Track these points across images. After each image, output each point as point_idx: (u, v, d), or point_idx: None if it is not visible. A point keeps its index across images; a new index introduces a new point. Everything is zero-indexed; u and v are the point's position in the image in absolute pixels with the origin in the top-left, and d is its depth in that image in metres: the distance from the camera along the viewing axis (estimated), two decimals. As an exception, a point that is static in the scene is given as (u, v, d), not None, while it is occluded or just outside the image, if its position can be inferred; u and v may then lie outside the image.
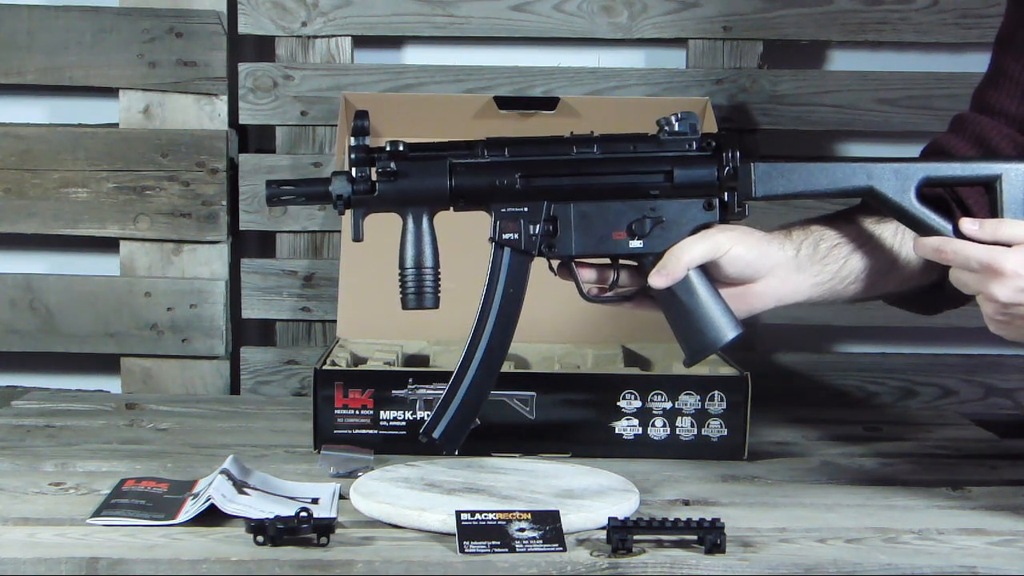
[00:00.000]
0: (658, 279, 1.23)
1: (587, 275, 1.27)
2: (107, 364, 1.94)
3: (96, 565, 1.14)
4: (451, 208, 1.26)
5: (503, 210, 1.25)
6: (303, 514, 1.18)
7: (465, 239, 1.78)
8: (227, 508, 1.25)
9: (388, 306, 1.77)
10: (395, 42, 1.95)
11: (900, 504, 1.36)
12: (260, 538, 1.17)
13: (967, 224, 1.21)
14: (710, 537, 1.17)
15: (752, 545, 1.20)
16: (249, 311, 1.93)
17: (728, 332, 1.24)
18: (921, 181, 1.25)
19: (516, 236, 1.25)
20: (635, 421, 1.52)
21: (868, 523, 1.28)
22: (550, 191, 1.25)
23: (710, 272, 1.25)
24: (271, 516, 1.18)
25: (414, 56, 1.95)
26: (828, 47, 1.94)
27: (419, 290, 1.24)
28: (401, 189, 1.24)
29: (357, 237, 1.25)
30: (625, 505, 1.28)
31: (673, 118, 1.25)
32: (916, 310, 1.41)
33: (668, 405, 1.52)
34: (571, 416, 1.52)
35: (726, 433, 1.52)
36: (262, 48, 1.94)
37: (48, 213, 1.90)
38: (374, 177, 1.24)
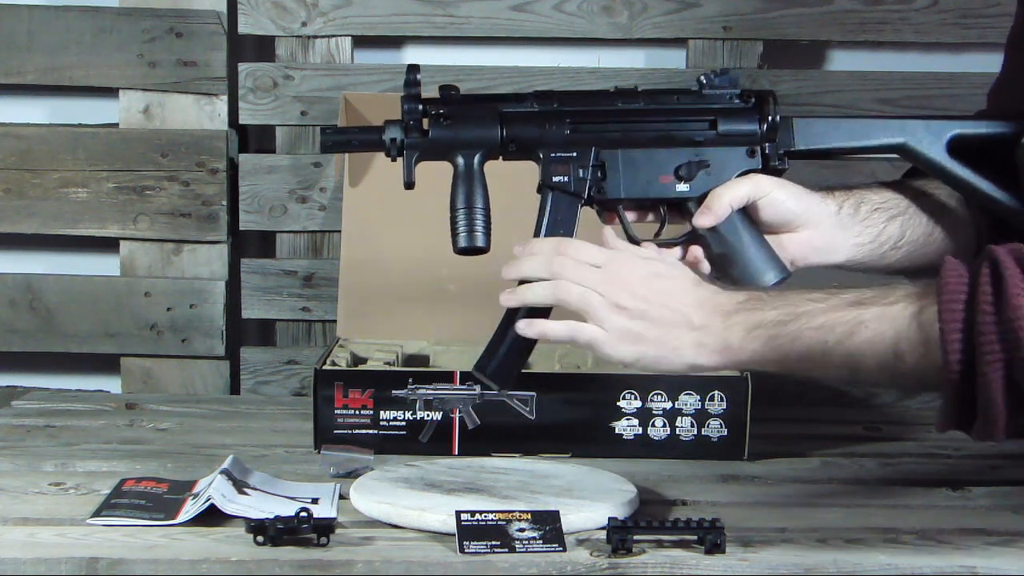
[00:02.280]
0: (703, 219, 1.25)
1: (632, 220, 1.29)
2: (107, 364, 1.94)
3: (96, 565, 1.14)
4: (500, 157, 1.27)
5: (552, 155, 1.26)
6: (303, 514, 1.18)
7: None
8: (227, 508, 1.25)
9: (388, 306, 1.79)
10: (395, 42, 1.95)
11: (900, 504, 1.36)
12: (260, 538, 1.17)
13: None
14: (710, 537, 1.17)
15: (752, 545, 1.20)
16: (249, 311, 1.93)
17: (775, 272, 1.25)
18: (951, 137, 1.28)
19: (566, 179, 1.26)
20: (635, 421, 1.52)
21: (868, 523, 1.28)
22: (598, 139, 1.27)
23: (751, 218, 1.26)
24: (271, 516, 1.18)
25: (414, 56, 1.95)
26: (828, 47, 1.94)
27: (470, 229, 1.23)
28: (453, 134, 1.25)
29: (410, 181, 1.25)
30: (625, 505, 1.28)
31: (712, 74, 1.29)
32: None
33: (668, 405, 1.52)
34: (571, 416, 1.52)
35: (726, 433, 1.52)
36: (262, 48, 1.94)
37: (48, 213, 1.90)
38: (425, 126, 1.25)
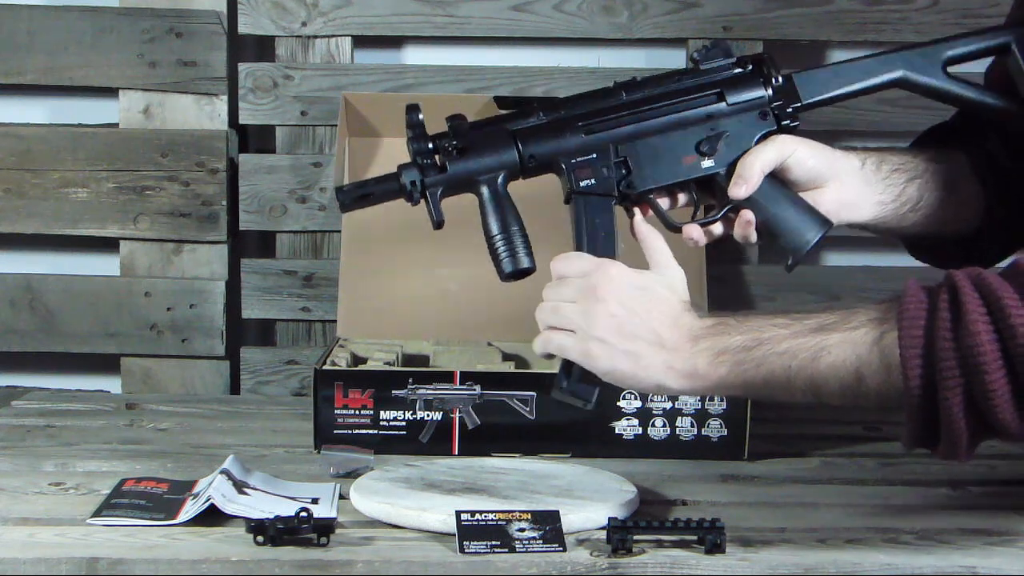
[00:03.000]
0: (738, 189, 1.25)
1: (667, 207, 1.29)
2: (107, 364, 1.94)
3: (96, 565, 1.14)
4: (522, 175, 1.26)
5: (573, 161, 1.26)
6: (303, 514, 1.18)
7: (466, 241, 1.79)
8: (227, 508, 1.25)
9: (388, 306, 1.79)
10: (395, 42, 1.95)
11: (900, 504, 1.36)
12: (260, 538, 1.17)
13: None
14: (710, 537, 1.17)
15: (752, 545, 1.20)
16: (249, 311, 1.93)
17: (818, 227, 1.26)
18: (945, 59, 1.30)
19: (593, 181, 1.26)
20: (635, 421, 1.52)
21: (868, 523, 1.28)
22: (614, 135, 1.27)
23: (781, 180, 1.27)
24: (271, 516, 1.18)
25: (414, 56, 1.95)
26: (828, 47, 1.94)
27: (512, 252, 1.23)
28: (472, 164, 1.24)
29: (439, 220, 1.24)
30: (625, 505, 1.28)
31: (704, 49, 1.30)
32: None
33: (668, 405, 1.52)
34: (571, 416, 1.52)
35: (726, 433, 1.52)
36: (262, 48, 1.94)
37: (48, 213, 1.90)
38: (438, 161, 1.24)
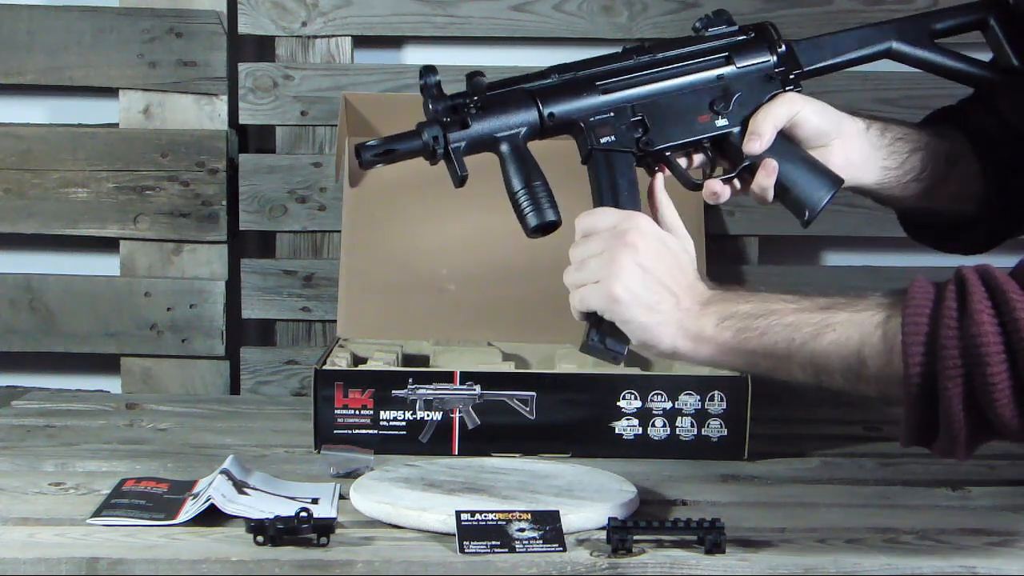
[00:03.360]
0: (752, 144, 1.27)
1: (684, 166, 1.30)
2: (107, 364, 1.94)
3: (96, 565, 1.14)
4: (540, 135, 1.26)
5: (592, 119, 1.27)
6: (303, 514, 1.18)
7: (465, 242, 1.79)
8: (227, 508, 1.25)
9: (388, 306, 1.79)
10: (395, 42, 1.95)
11: (900, 504, 1.36)
12: (260, 538, 1.17)
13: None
14: (710, 537, 1.17)
15: (752, 545, 1.20)
16: (249, 311, 1.93)
17: (832, 183, 1.27)
18: (931, 31, 1.35)
19: (612, 138, 1.27)
20: (635, 421, 1.52)
21: (868, 523, 1.28)
22: (631, 95, 1.28)
23: (790, 137, 1.29)
24: (271, 516, 1.18)
25: (414, 56, 1.95)
26: (828, 47, 1.94)
27: (536, 206, 1.22)
28: (494, 121, 1.24)
29: (463, 174, 1.22)
30: (625, 505, 1.28)
31: (705, 18, 1.34)
32: (961, 250, 1.44)
33: (668, 405, 1.52)
34: (571, 416, 1.52)
35: (726, 433, 1.52)
36: (262, 48, 1.94)
37: (48, 213, 1.90)
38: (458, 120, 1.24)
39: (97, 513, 1.26)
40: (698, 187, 1.28)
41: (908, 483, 1.44)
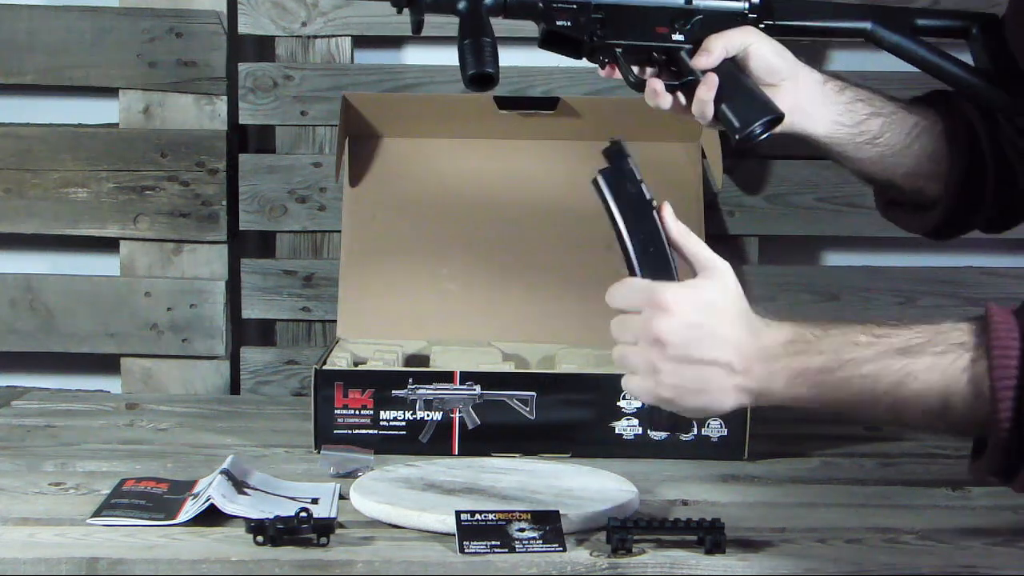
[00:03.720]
0: (701, 59, 1.29)
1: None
2: (107, 364, 1.94)
3: (96, 565, 1.14)
4: (503, 13, 1.29)
5: (555, 5, 1.30)
6: (303, 514, 1.18)
7: (465, 242, 1.79)
8: (227, 508, 1.25)
9: (388, 306, 1.79)
10: (395, 42, 1.95)
11: (900, 504, 1.36)
12: (260, 538, 1.17)
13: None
14: (710, 537, 1.17)
15: (752, 545, 1.20)
16: (249, 311, 1.93)
17: (770, 112, 1.28)
18: (914, 24, 1.36)
19: (569, 23, 1.30)
20: (635, 421, 1.52)
21: (868, 523, 1.28)
22: None
23: (741, 67, 1.30)
24: (271, 516, 1.18)
25: (414, 56, 1.95)
26: (828, 47, 1.94)
27: (478, 56, 1.24)
28: None
29: (419, 19, 1.29)
30: (625, 505, 1.28)
31: None
32: (919, 229, 1.44)
33: (668, 405, 1.52)
34: (571, 416, 1.52)
35: (726, 433, 1.52)
36: (262, 48, 1.94)
37: (48, 213, 1.90)
38: None
39: (97, 513, 1.26)
40: (641, 85, 1.31)
41: (908, 483, 1.44)
